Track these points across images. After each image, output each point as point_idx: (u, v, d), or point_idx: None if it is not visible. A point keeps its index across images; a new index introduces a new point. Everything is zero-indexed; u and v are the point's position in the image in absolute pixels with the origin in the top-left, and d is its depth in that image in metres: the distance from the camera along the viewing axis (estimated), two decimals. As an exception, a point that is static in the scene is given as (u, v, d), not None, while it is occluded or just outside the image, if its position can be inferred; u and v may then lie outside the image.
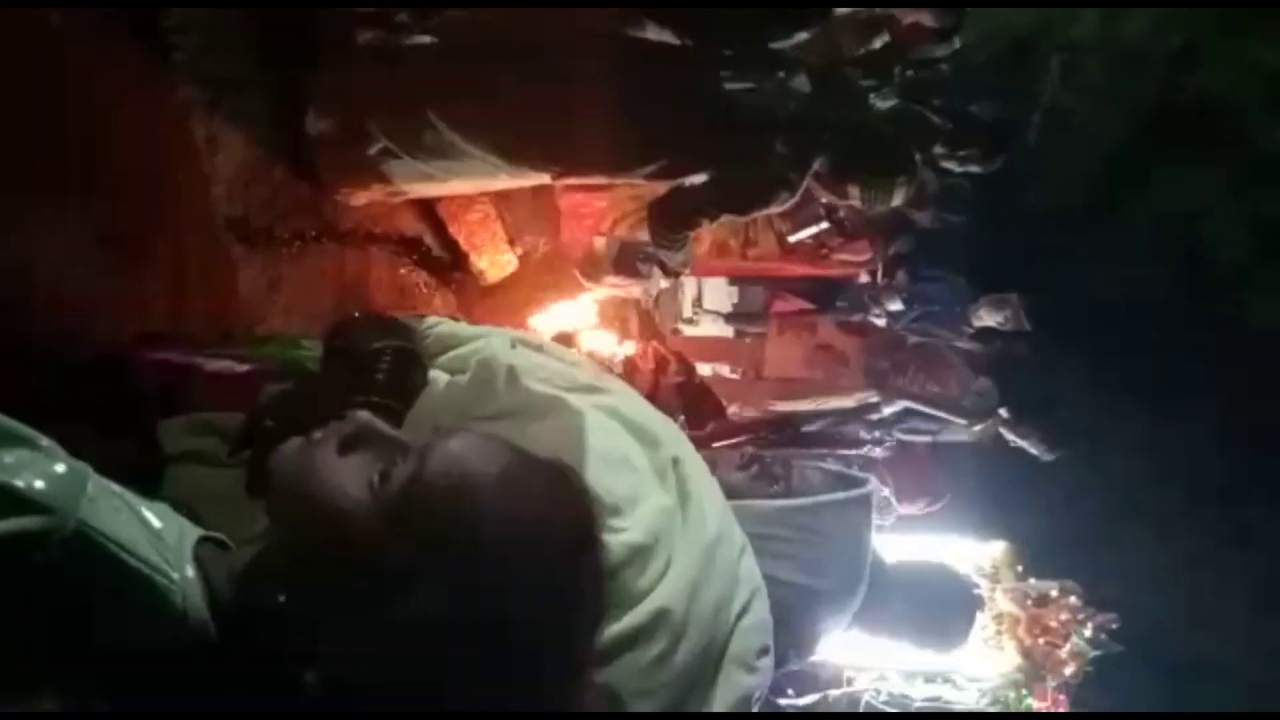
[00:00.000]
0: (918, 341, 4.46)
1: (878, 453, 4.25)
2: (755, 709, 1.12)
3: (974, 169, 2.98)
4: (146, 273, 1.89)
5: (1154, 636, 5.66)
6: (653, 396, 3.30)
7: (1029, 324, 4.74)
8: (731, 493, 1.24)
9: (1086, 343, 5.85)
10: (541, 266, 3.23)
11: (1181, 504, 6.42)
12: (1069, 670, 4.29)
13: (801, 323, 4.75)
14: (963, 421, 4.35)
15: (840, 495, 1.46)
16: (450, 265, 2.96)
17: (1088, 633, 4.36)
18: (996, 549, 4.80)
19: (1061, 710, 4.48)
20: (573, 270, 3.10)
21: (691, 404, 3.20)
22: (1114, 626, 4.46)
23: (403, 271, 2.83)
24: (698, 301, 4.88)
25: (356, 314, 1.18)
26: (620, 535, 0.98)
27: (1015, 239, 5.89)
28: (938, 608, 1.78)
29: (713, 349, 4.87)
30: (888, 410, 4.37)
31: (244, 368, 1.13)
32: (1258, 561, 6.43)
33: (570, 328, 3.41)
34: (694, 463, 1.15)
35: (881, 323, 4.55)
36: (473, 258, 3.05)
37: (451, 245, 2.98)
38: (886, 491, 4.56)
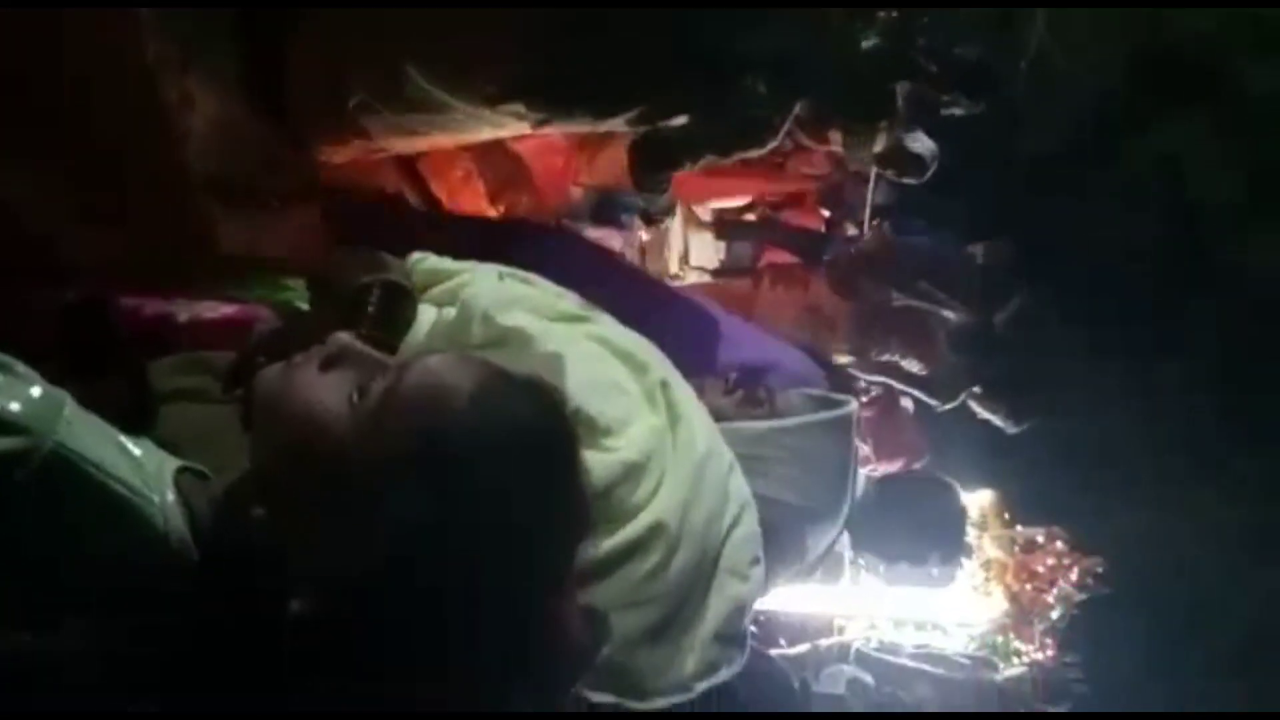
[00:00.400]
0: (904, 306, 4.41)
1: (860, 401, 4.23)
2: (748, 616, 1.16)
3: (958, 111, 2.95)
4: (122, 234, 1.87)
5: (1142, 582, 5.75)
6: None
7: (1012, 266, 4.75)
8: (718, 416, 1.28)
9: (1078, 293, 5.86)
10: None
11: (1175, 453, 6.48)
12: (1055, 614, 4.38)
13: (794, 277, 4.72)
14: (935, 402, 4.33)
15: (824, 415, 1.52)
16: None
17: (1074, 576, 4.45)
18: (984, 498, 4.87)
19: (1051, 654, 4.58)
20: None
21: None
22: (1100, 570, 4.54)
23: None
24: (684, 258, 4.86)
25: (343, 249, 1.18)
26: (613, 454, 1.02)
27: (1004, 190, 5.89)
28: (927, 519, 1.84)
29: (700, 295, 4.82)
30: (862, 379, 4.35)
31: (230, 309, 1.13)
32: (1251, 510, 6.51)
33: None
34: (681, 387, 1.19)
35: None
36: (456, 215, 3.02)
37: (434, 203, 2.96)
38: (866, 450, 4.58)
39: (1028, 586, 4.65)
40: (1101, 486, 5.86)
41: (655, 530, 1.03)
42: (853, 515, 1.57)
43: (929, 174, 4.55)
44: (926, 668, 4.00)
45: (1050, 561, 4.51)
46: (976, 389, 4.17)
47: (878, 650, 4.30)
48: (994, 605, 4.50)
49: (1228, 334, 6.19)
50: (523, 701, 0.80)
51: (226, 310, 1.11)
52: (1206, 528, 6.33)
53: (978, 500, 4.90)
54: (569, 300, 1.21)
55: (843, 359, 4.29)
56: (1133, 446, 6.20)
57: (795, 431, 1.47)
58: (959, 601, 4.62)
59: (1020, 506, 4.80)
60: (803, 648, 4.17)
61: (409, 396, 0.74)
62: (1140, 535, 5.59)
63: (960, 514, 1.99)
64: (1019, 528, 4.78)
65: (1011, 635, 4.43)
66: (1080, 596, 4.45)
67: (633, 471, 1.03)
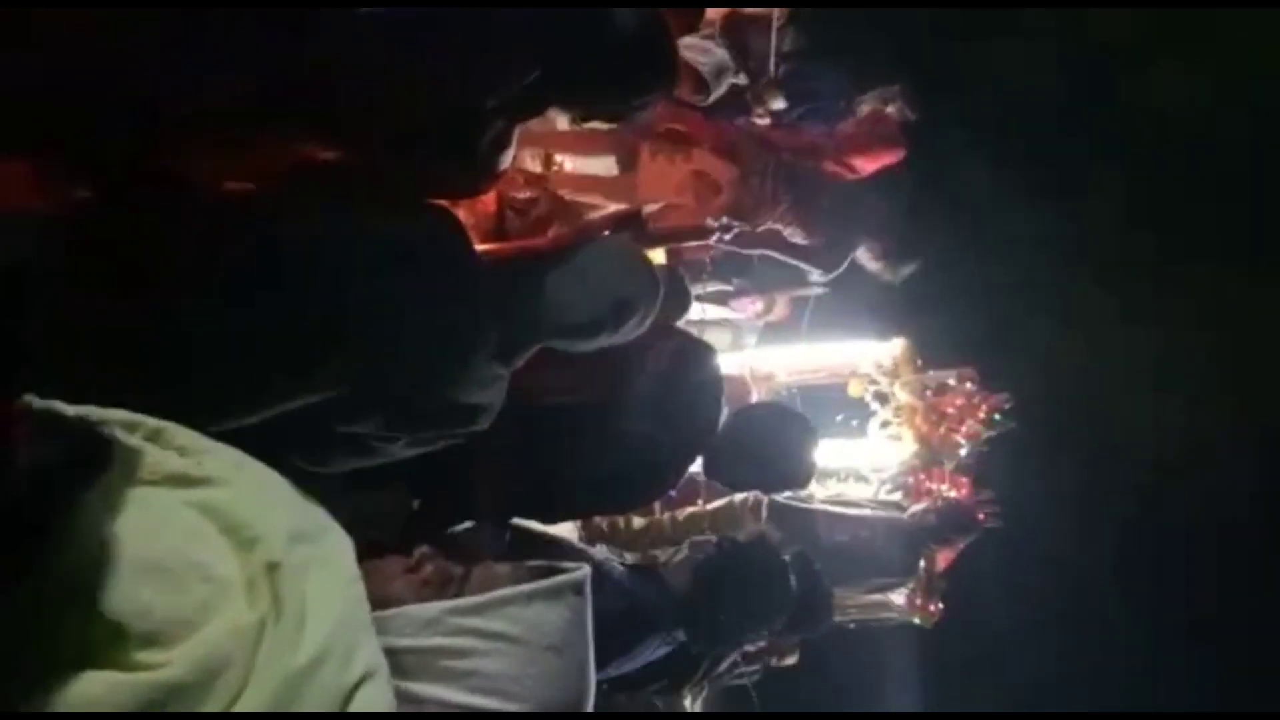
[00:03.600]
0: (791, 174, 4.16)
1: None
2: None
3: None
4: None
5: (1056, 418, 5.89)
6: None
7: (913, 115, 4.64)
8: (386, 603, 1.08)
9: (982, 134, 5.81)
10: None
11: (1084, 288, 6.57)
12: (964, 451, 4.44)
13: (676, 147, 4.53)
14: (817, 271, 4.19)
15: (532, 586, 1.19)
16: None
17: (982, 414, 4.50)
18: (896, 346, 4.86)
19: (965, 491, 4.66)
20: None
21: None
22: (1008, 406, 4.59)
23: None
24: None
25: None
26: (152, 672, 0.82)
27: (902, 34, 5.74)
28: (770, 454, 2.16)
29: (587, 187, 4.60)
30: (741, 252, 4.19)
31: None
32: (1157, 340, 6.67)
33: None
34: (301, 569, 0.96)
35: (765, 123, 4.39)
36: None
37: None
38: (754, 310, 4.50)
39: (941, 429, 4.69)
40: (1009, 324, 5.94)
41: None
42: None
43: (711, 97, 4.33)
44: (837, 510, 4.05)
45: (960, 402, 4.55)
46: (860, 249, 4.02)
47: (790, 500, 4.33)
48: (905, 449, 4.55)
49: (1137, 166, 6.21)
50: None
51: None
52: (1112, 360, 6.48)
53: (890, 349, 4.91)
54: (193, 460, 0.98)
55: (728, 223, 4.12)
56: (1038, 283, 6.27)
57: (489, 609, 1.15)
58: (872, 449, 4.68)
59: (932, 351, 4.82)
60: (718, 503, 4.18)
61: None
62: (1048, 370, 5.70)
63: (800, 441, 2.24)
64: (931, 372, 4.80)
65: (923, 476, 4.49)
66: (988, 433, 4.51)
67: (180, 693, 0.82)
